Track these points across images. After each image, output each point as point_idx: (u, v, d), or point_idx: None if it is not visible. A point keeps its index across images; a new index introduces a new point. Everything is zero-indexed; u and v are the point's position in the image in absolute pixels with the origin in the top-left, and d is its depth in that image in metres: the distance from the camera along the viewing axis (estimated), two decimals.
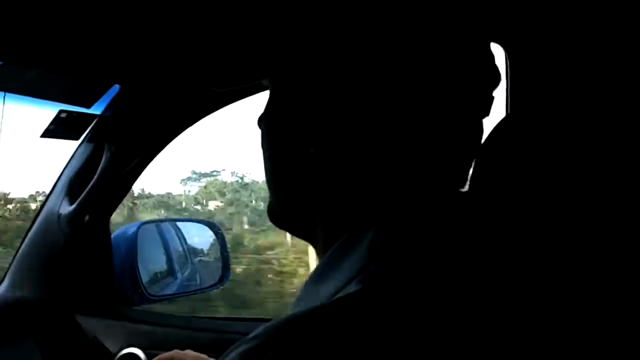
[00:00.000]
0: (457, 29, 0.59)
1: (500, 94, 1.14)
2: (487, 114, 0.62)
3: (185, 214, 7.13)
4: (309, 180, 0.61)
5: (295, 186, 0.63)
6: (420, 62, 0.56)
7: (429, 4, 0.58)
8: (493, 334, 0.49)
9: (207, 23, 1.08)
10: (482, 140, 0.63)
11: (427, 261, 0.53)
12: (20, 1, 0.96)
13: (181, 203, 7.36)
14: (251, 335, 0.48)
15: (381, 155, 0.57)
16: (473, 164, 0.63)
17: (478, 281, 0.52)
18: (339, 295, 0.52)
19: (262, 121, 0.65)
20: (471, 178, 0.64)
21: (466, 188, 0.63)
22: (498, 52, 1.14)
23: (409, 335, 0.46)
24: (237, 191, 7.28)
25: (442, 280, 0.51)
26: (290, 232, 0.69)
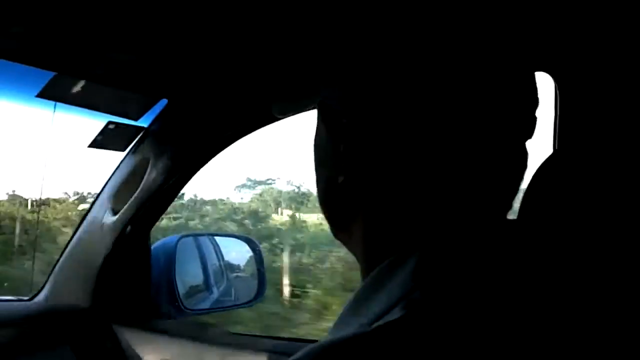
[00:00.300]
0: (497, 54, 0.58)
1: (548, 124, 1.13)
2: (530, 136, 0.61)
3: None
4: (349, 205, 0.61)
5: (336, 210, 0.63)
6: (461, 86, 0.55)
7: (470, 29, 0.58)
8: None
9: (259, 45, 1.10)
10: (532, 168, 0.62)
11: (472, 290, 0.52)
12: (74, 14, 0.99)
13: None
14: (295, 356, 0.48)
15: (425, 180, 0.56)
16: (523, 193, 0.63)
17: (523, 312, 0.51)
18: (379, 322, 0.51)
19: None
20: (520, 207, 0.63)
21: (512, 216, 0.62)
22: (547, 82, 1.13)
23: None
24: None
25: (486, 311, 0.50)
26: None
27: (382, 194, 0.58)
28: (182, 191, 1.62)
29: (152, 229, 1.64)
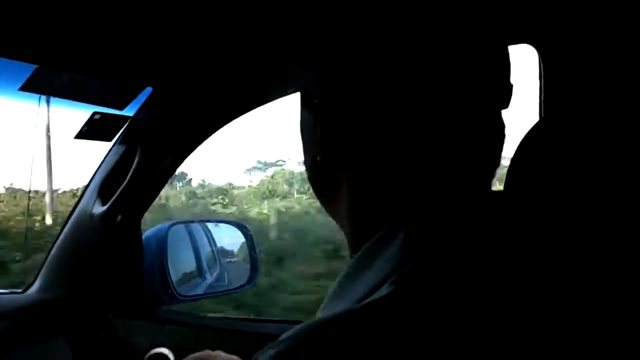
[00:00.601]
0: (469, 25, 0.58)
1: (533, 96, 1.13)
2: (505, 105, 0.61)
3: None
4: (330, 183, 0.62)
5: (321, 190, 0.65)
6: (433, 59, 0.55)
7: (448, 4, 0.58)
8: (527, 339, 0.48)
9: (242, 31, 1.09)
10: (517, 142, 0.62)
11: (461, 263, 0.52)
12: (54, 5, 0.98)
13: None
14: (281, 338, 0.48)
15: (405, 154, 0.56)
16: (509, 163, 0.63)
17: (512, 284, 0.52)
18: (370, 298, 0.51)
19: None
20: (506, 178, 0.63)
21: (496, 187, 0.63)
22: (531, 53, 1.14)
23: (440, 340, 0.46)
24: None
25: (475, 283, 0.51)
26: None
27: (363, 171, 0.59)
28: (189, 176, 1.62)
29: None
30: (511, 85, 0.61)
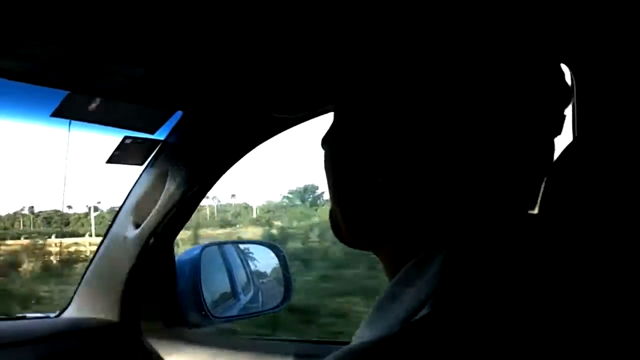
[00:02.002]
0: (525, 48, 0.57)
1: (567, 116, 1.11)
2: (558, 132, 0.59)
3: None
4: (376, 206, 0.60)
5: (363, 212, 0.61)
6: (489, 82, 0.54)
7: (496, 25, 0.57)
8: None
9: (268, 51, 1.08)
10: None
11: (499, 286, 0.51)
12: (83, 31, 0.99)
13: None
14: None
15: (450, 178, 0.55)
16: (543, 186, 0.61)
17: (551, 307, 0.50)
18: (403, 325, 0.50)
19: (326, 143, 0.64)
20: (541, 201, 0.62)
21: (536, 210, 0.61)
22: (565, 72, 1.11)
23: None
24: None
25: (514, 306, 0.50)
26: (358, 248, 0.67)
27: (413, 191, 0.57)
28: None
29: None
30: (564, 115, 0.59)
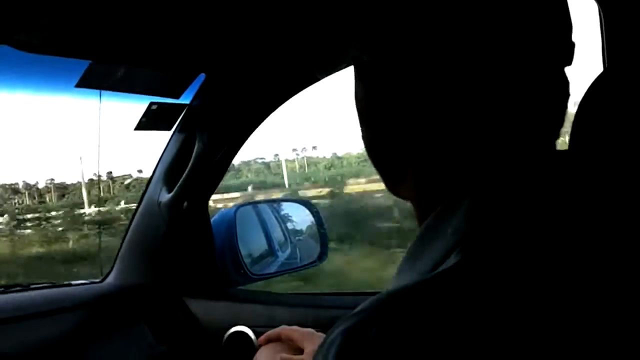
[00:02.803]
0: None
1: (596, 50, 1.08)
2: (569, 62, 0.58)
3: None
4: (397, 157, 0.60)
5: (386, 164, 0.63)
6: (492, 18, 0.53)
7: None
8: (595, 311, 0.46)
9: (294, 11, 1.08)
10: (579, 95, 0.60)
11: (527, 229, 0.51)
12: (102, 1, 0.99)
13: None
14: (354, 312, 0.48)
15: (468, 119, 0.55)
16: (572, 120, 0.60)
17: (582, 250, 0.50)
18: (440, 268, 0.51)
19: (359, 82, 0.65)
20: (570, 135, 0.61)
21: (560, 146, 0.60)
22: (592, 6, 1.08)
23: (510, 310, 0.45)
24: None
25: (542, 250, 0.49)
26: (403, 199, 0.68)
27: (428, 140, 0.57)
28: None
29: None
30: (573, 43, 0.58)
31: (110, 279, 1.62)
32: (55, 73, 1.25)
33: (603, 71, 0.62)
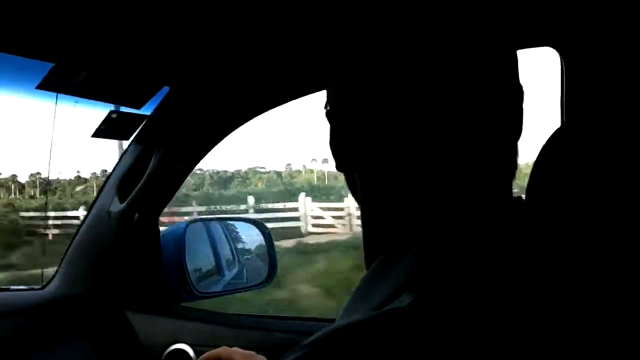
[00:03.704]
0: (477, 28, 0.57)
1: (554, 101, 1.11)
2: (519, 134, 0.60)
3: None
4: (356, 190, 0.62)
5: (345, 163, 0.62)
6: (442, 63, 0.54)
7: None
8: (548, 352, 0.48)
9: (258, 31, 1.08)
10: (538, 148, 0.61)
11: (476, 273, 0.52)
12: (70, 5, 0.98)
13: None
14: (306, 342, 0.49)
15: (417, 162, 0.56)
16: (530, 173, 0.62)
17: (534, 296, 0.51)
18: (390, 306, 0.51)
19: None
20: (527, 185, 0.62)
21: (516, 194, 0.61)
22: (553, 56, 1.12)
23: (459, 351, 0.46)
24: None
25: (494, 296, 0.50)
26: None
27: (373, 178, 0.58)
28: None
29: None
30: (521, 87, 0.60)
31: (51, 286, 1.57)
32: (16, 73, 1.22)
33: (561, 125, 0.64)
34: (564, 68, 1.10)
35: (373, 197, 0.59)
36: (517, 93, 0.59)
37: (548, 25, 1.08)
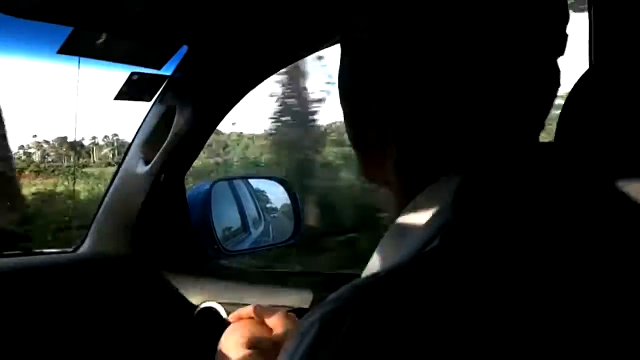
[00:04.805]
0: None
1: (584, 43, 1.09)
2: (561, 53, 0.59)
3: None
4: (380, 135, 0.60)
5: (370, 137, 0.62)
6: (485, 5, 0.54)
7: None
8: (577, 300, 0.46)
9: None
10: (565, 87, 0.60)
11: (512, 219, 0.51)
12: None
13: None
14: (331, 297, 0.48)
15: (456, 105, 0.55)
16: (559, 114, 0.61)
17: (564, 239, 0.50)
18: (429, 247, 0.50)
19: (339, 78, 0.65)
20: (557, 129, 0.61)
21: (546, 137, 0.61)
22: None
23: (494, 300, 0.45)
24: None
25: (527, 241, 0.49)
26: (370, 179, 0.67)
27: (411, 121, 0.57)
28: None
29: None
30: (566, 35, 0.59)
31: (83, 248, 1.61)
32: (36, 37, 1.23)
33: (589, 67, 0.63)
34: (591, 10, 1.08)
35: (410, 140, 0.58)
36: (560, 39, 0.58)
37: None
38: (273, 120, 6.72)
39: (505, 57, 0.54)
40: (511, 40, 0.54)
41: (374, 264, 0.58)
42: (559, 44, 0.58)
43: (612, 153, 0.57)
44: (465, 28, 0.53)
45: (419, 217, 0.55)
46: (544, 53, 0.57)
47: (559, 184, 0.54)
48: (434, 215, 0.53)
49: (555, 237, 0.50)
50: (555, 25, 0.57)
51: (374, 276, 0.49)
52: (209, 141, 1.69)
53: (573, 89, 0.60)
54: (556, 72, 0.59)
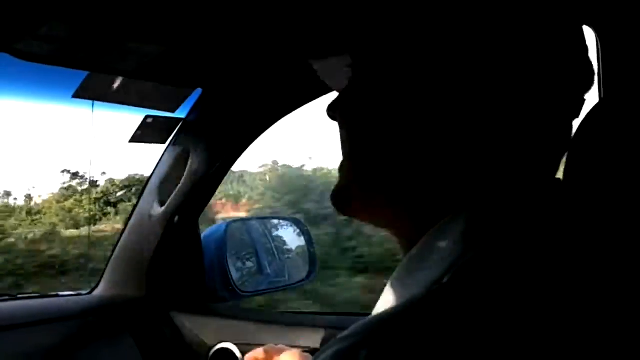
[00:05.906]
0: (548, 22, 0.56)
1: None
2: (577, 115, 0.59)
3: None
4: (397, 169, 0.59)
5: (382, 174, 0.61)
6: (510, 56, 0.54)
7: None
8: (585, 334, 0.47)
9: (289, 30, 1.09)
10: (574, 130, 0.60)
11: (522, 255, 0.51)
12: (103, 12, 1.00)
13: None
14: (344, 334, 0.48)
15: (471, 144, 0.55)
16: (566, 153, 0.61)
17: (574, 277, 0.50)
18: (432, 289, 0.50)
19: (338, 108, 0.64)
20: (565, 164, 0.61)
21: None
22: (588, 34, 1.10)
23: (503, 332, 0.45)
24: None
25: (538, 274, 0.49)
26: (366, 221, 0.66)
27: (421, 161, 0.57)
28: None
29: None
30: (584, 100, 0.59)
31: (98, 291, 1.61)
32: (51, 82, 1.25)
33: (599, 101, 0.63)
34: (600, 47, 1.08)
35: (420, 180, 0.58)
36: (583, 72, 0.59)
37: (584, 4, 1.06)
38: None
39: (522, 108, 0.54)
40: (529, 93, 0.54)
41: (385, 302, 0.58)
42: (576, 108, 0.58)
43: (622, 190, 0.56)
44: (483, 74, 0.54)
45: (429, 255, 0.55)
46: (560, 115, 0.57)
47: (567, 222, 0.54)
48: (444, 253, 0.53)
49: (565, 274, 0.50)
50: (577, 92, 0.58)
51: (387, 313, 0.49)
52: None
53: (582, 122, 0.60)
54: (568, 130, 0.59)
